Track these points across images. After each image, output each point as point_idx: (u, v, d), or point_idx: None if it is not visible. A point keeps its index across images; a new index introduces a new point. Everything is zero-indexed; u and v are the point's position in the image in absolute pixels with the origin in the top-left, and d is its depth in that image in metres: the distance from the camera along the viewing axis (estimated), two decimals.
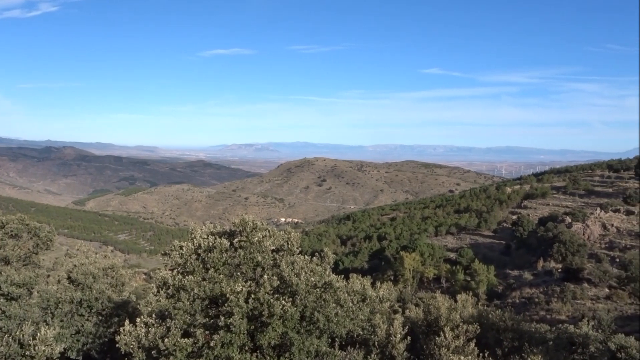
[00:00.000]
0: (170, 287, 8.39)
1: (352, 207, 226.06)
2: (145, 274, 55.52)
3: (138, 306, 11.26)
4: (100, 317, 12.24)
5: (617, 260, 46.79)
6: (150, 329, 8.21)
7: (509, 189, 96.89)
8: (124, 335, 8.22)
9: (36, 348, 7.94)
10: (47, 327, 8.47)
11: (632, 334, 15.84)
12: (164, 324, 8.21)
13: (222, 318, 7.97)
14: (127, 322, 8.38)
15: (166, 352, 7.82)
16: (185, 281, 8.28)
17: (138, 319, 8.35)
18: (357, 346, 9.52)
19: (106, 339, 11.79)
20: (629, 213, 61.84)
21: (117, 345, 8.31)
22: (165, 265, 9.18)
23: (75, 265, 12.92)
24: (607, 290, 39.14)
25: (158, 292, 8.56)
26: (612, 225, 59.24)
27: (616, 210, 62.93)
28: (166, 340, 7.83)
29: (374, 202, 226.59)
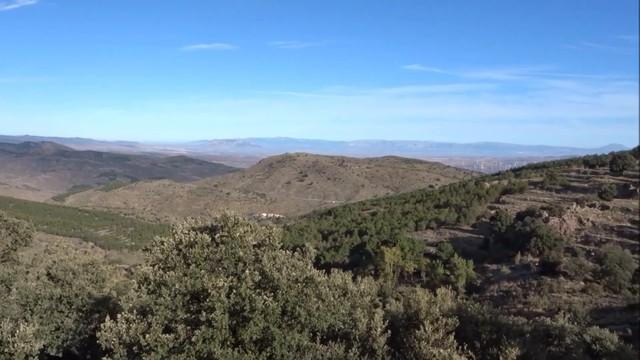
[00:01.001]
0: (152, 282, 8.37)
1: (334, 202, 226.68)
2: (126, 269, 55.01)
3: (119, 302, 11.20)
4: (81, 314, 12.14)
5: (593, 254, 47.76)
6: (131, 324, 8.19)
7: (487, 184, 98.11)
8: (105, 331, 8.19)
9: (15, 345, 7.86)
10: (26, 323, 8.39)
11: (607, 326, 16.25)
12: (145, 319, 8.19)
13: (204, 313, 7.99)
14: (107, 318, 8.34)
15: (147, 347, 7.81)
16: (167, 277, 8.27)
17: (119, 315, 8.32)
18: (339, 340, 9.61)
19: (86, 336, 11.71)
20: (604, 208, 63.10)
21: (97, 341, 8.28)
22: (146, 261, 9.15)
23: (54, 262, 12.79)
24: (582, 283, 40.00)
25: (139, 287, 8.53)
26: (588, 219, 60.40)
27: (592, 205, 64.15)
28: (147, 336, 7.82)
29: (355, 197, 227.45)
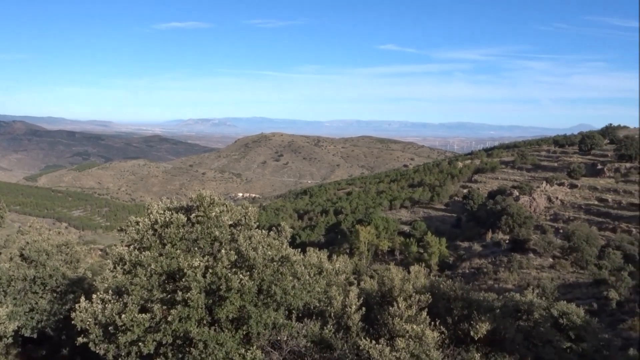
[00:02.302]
0: (127, 263, 8.34)
1: (309, 182, 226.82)
2: (101, 250, 54.36)
3: (94, 283, 11.14)
4: (55, 294, 12.02)
5: (561, 231, 49.09)
6: (106, 305, 8.18)
7: (460, 164, 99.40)
8: (80, 312, 8.16)
9: None
10: None
11: (574, 301, 16.82)
12: (120, 299, 8.18)
13: (180, 293, 8.01)
14: (82, 298, 8.30)
15: (123, 327, 7.82)
16: (142, 257, 8.25)
17: (94, 296, 8.29)
18: (314, 317, 9.76)
19: (61, 316, 11.61)
20: (572, 186, 64.66)
21: (72, 322, 8.25)
22: (122, 241, 9.10)
23: (27, 242, 12.59)
24: (551, 260, 41.16)
25: (114, 268, 8.50)
26: (557, 198, 61.89)
27: (561, 184, 65.67)
28: (123, 316, 7.83)
29: (330, 177, 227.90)
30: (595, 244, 40.83)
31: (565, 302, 13.39)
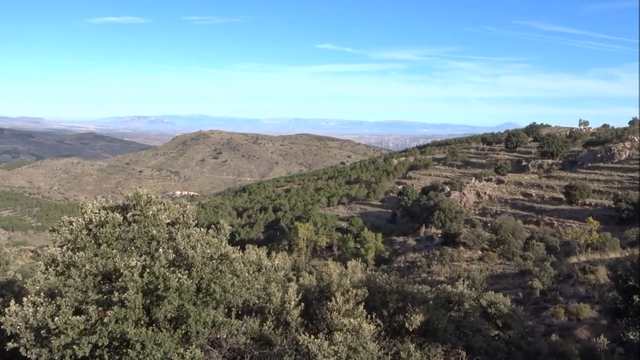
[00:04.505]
0: (60, 264, 8.06)
1: (248, 179, 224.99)
2: (32, 251, 51.59)
3: (25, 285, 10.64)
4: None
5: (489, 225, 51.47)
6: (38, 308, 7.87)
7: (395, 161, 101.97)
8: (10, 315, 7.81)
9: None
10: None
11: (501, 291, 17.75)
12: (53, 302, 7.90)
13: (116, 293, 7.85)
14: (12, 302, 7.96)
15: (57, 330, 7.58)
16: (76, 257, 8.00)
17: (25, 299, 7.96)
18: (254, 314, 9.81)
19: None
20: (499, 182, 67.92)
21: (2, 326, 7.90)
22: (54, 242, 8.77)
23: None
24: (480, 252, 43.11)
25: (46, 269, 8.19)
26: (485, 193, 64.83)
27: (489, 180, 68.81)
28: (56, 319, 7.57)
29: (269, 175, 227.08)
30: (520, 236, 43.12)
31: (493, 292, 14.08)
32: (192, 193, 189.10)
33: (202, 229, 9.38)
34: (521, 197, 62.63)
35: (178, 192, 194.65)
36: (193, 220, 9.70)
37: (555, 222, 52.60)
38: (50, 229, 8.99)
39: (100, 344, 7.84)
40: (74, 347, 7.63)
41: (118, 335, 7.94)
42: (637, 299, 8.76)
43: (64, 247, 8.43)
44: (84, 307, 7.94)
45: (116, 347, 8.12)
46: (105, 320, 7.78)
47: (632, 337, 8.80)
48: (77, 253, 8.13)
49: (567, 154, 74.54)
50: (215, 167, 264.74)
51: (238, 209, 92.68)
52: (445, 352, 10.21)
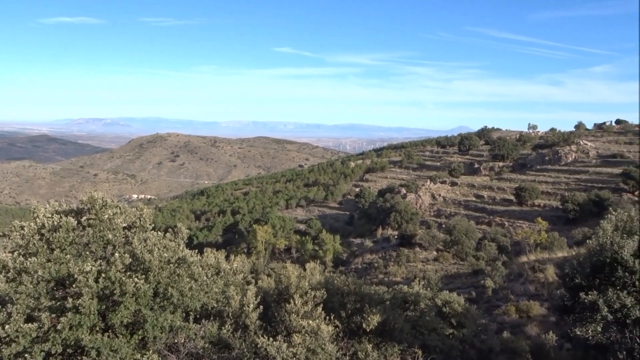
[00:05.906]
0: (11, 270, 7.83)
1: (206, 182, 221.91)
2: None
3: None
4: None
5: (444, 226, 52.65)
6: None
7: (352, 164, 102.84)
8: None
9: None
10: None
11: (455, 290, 18.25)
12: (4, 309, 7.68)
13: (70, 300, 7.68)
14: None
15: (7, 339, 7.36)
16: (28, 263, 7.79)
17: None
18: (212, 318, 9.77)
19: None
20: (453, 184, 69.58)
21: None
22: (5, 248, 8.52)
23: None
24: (435, 252, 44.05)
25: None
26: (440, 195, 66.27)
27: (443, 182, 70.37)
28: (7, 327, 7.36)
29: (227, 177, 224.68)
30: (473, 237, 44.34)
31: (447, 291, 14.45)
32: (149, 196, 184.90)
33: (159, 233, 9.29)
34: (474, 199, 64.35)
35: (135, 196, 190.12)
36: (150, 224, 9.59)
37: (506, 223, 54.31)
38: (1, 234, 8.73)
39: (53, 352, 7.67)
40: (26, 355, 7.44)
41: (72, 343, 7.78)
42: (584, 296, 9.16)
43: (16, 253, 8.19)
44: (36, 314, 7.74)
45: (70, 355, 7.96)
46: (59, 327, 7.61)
47: (579, 333, 9.20)
48: (29, 259, 7.92)
49: (517, 156, 77.13)
50: (173, 170, 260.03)
51: (196, 212, 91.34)
52: (401, 351, 10.44)
